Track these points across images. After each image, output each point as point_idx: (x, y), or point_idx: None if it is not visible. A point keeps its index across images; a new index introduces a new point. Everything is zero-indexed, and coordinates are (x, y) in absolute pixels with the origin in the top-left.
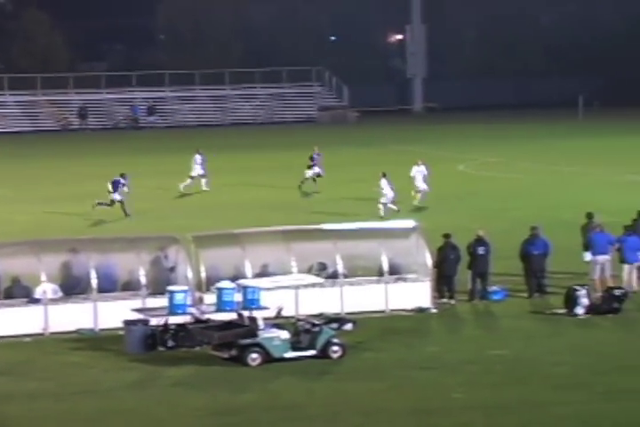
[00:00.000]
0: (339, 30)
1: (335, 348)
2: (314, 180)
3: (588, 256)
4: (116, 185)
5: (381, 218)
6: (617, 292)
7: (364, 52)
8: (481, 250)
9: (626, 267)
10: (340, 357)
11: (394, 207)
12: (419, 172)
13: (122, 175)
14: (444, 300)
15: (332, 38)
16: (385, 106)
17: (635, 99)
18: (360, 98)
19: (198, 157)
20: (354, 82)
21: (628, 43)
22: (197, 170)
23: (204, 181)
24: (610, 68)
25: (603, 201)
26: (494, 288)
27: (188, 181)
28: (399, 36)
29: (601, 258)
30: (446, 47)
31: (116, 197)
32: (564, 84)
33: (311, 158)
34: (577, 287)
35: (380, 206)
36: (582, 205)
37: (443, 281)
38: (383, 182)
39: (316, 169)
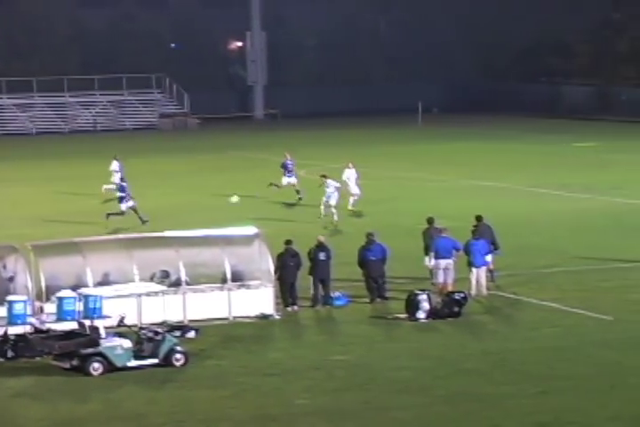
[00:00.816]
0: (179, 37)
1: (178, 356)
2: (291, 187)
3: (429, 260)
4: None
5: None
6: (457, 296)
7: (205, 58)
8: (322, 256)
9: (474, 270)
10: (183, 365)
11: (323, 212)
12: (351, 175)
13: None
14: (289, 308)
15: (173, 45)
16: (226, 113)
17: (471, 104)
18: (201, 105)
19: (116, 164)
20: (195, 89)
21: (462, 50)
22: (116, 177)
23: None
24: (447, 75)
25: (444, 206)
26: (337, 294)
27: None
28: (240, 43)
29: (443, 262)
30: (287, 54)
31: (128, 204)
32: (403, 91)
33: (284, 166)
34: (418, 292)
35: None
36: (423, 211)
37: (284, 288)
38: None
39: (293, 179)
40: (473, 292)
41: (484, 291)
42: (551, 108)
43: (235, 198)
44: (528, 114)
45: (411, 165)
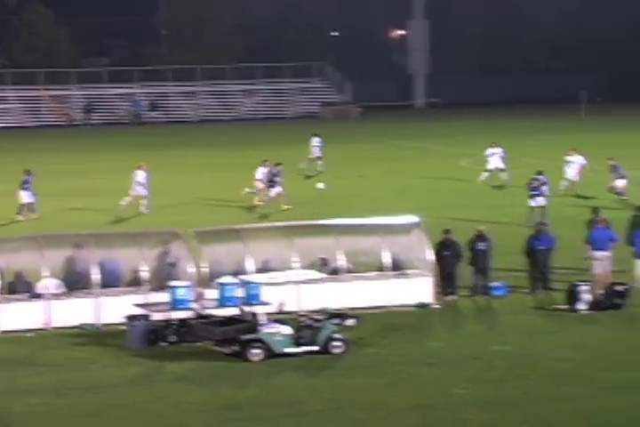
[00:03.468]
0: (341, 26)
1: (337, 343)
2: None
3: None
4: (27, 185)
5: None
6: (619, 288)
7: (367, 47)
8: (482, 245)
9: (638, 262)
10: (342, 352)
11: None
12: (495, 153)
13: (27, 172)
14: (448, 298)
15: (335, 34)
16: (387, 101)
17: (638, 94)
18: (362, 93)
19: (318, 144)
20: (356, 77)
21: (630, 39)
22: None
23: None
24: (613, 65)
25: (611, 196)
26: (496, 284)
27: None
28: (402, 32)
29: (599, 254)
30: (449, 43)
31: (27, 199)
32: (567, 80)
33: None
34: (579, 283)
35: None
36: (585, 201)
37: (442, 277)
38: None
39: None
40: (637, 284)
41: None
42: None
43: (321, 185)
44: None
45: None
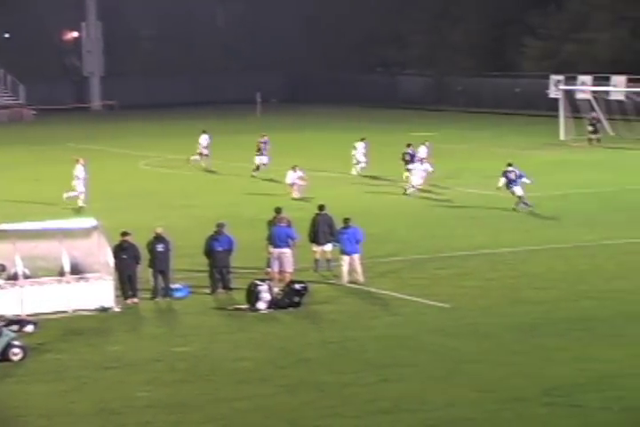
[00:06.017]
0: (13, 27)
1: (16, 350)
2: (258, 168)
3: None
4: None
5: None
6: (298, 286)
7: (40, 49)
8: (160, 247)
9: (345, 258)
10: (21, 359)
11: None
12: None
13: None
14: (129, 301)
15: (6, 35)
16: (63, 104)
17: (311, 95)
18: (37, 96)
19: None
20: (30, 79)
21: (301, 41)
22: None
23: None
24: (285, 66)
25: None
26: (177, 285)
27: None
28: (75, 33)
29: (277, 251)
30: (124, 45)
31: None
32: (242, 82)
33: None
34: (258, 282)
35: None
36: (262, 201)
37: (122, 280)
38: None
39: (264, 158)
40: (345, 280)
41: (361, 278)
42: (388, 98)
43: None
44: (366, 104)
45: (249, 155)
